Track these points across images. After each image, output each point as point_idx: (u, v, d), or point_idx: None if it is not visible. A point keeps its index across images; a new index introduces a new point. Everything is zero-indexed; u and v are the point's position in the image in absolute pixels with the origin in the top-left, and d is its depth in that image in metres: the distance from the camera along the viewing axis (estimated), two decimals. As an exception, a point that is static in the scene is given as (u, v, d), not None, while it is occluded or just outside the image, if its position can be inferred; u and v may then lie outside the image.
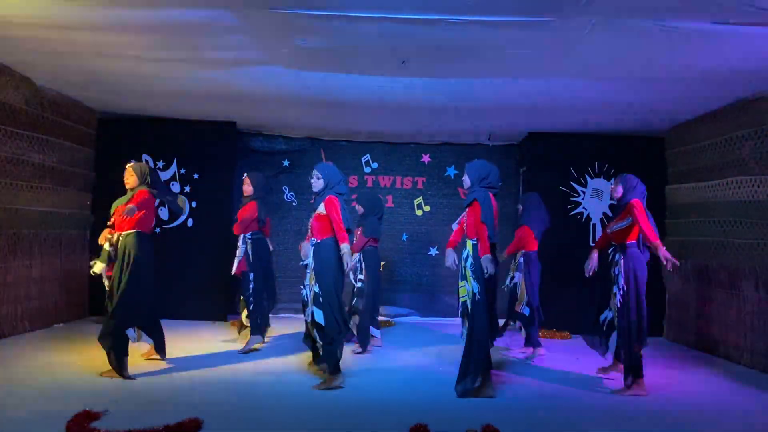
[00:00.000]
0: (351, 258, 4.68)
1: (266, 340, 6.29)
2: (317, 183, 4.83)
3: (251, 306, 5.99)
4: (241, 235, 6.02)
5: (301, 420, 3.96)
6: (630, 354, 4.85)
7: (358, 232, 6.14)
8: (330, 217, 4.69)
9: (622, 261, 4.97)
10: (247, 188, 6.12)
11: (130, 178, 5.06)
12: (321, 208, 4.75)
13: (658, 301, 7.56)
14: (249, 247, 6.01)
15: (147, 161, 7.87)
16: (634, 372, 4.84)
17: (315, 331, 4.76)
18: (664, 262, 4.85)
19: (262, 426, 3.85)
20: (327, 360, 4.77)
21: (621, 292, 4.92)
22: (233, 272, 6.07)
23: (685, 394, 4.97)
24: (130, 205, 4.80)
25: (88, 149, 7.68)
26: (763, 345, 5.72)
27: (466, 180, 4.88)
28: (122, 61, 5.42)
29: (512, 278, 6.32)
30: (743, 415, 4.43)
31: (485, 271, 4.55)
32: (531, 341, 6.27)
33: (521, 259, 6.21)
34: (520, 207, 6.44)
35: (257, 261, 6.04)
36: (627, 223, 4.96)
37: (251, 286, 5.98)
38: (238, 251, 6.04)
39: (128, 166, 5.12)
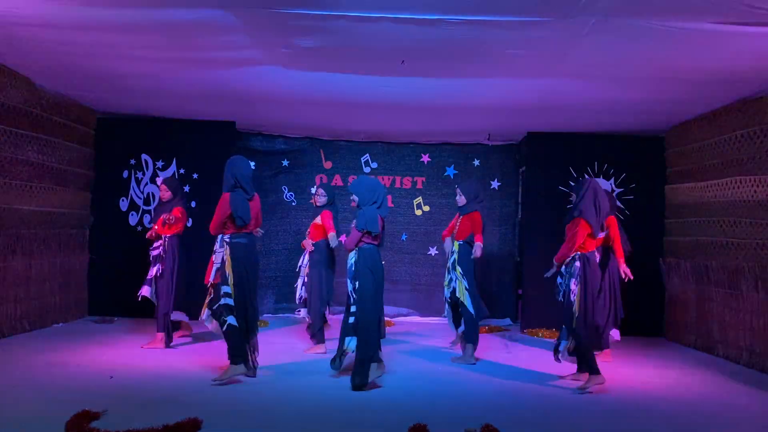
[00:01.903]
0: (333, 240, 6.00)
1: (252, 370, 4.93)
2: (322, 199, 6.10)
3: (224, 328, 4.79)
4: (219, 237, 4.96)
5: (301, 420, 3.96)
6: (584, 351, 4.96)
7: (352, 226, 4.96)
8: (323, 226, 6.01)
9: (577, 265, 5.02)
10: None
11: (165, 193, 6.08)
12: (318, 219, 6.06)
13: (657, 301, 7.57)
14: (227, 253, 4.86)
15: (147, 161, 7.87)
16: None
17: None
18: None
19: (262, 426, 3.85)
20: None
21: (572, 295, 4.96)
22: (208, 280, 4.96)
23: (685, 394, 4.98)
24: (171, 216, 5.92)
25: (88, 149, 7.68)
26: (763, 345, 5.73)
27: (462, 199, 6.00)
28: (122, 61, 5.42)
29: (565, 287, 5.06)
30: (743, 415, 4.44)
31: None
32: (587, 366, 5.00)
33: (577, 263, 4.96)
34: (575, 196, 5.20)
35: (237, 270, 4.83)
36: (604, 233, 5.53)
37: (222, 302, 4.79)
38: (214, 256, 4.96)
39: (162, 184, 6.16)
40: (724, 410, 4.54)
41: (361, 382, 4.68)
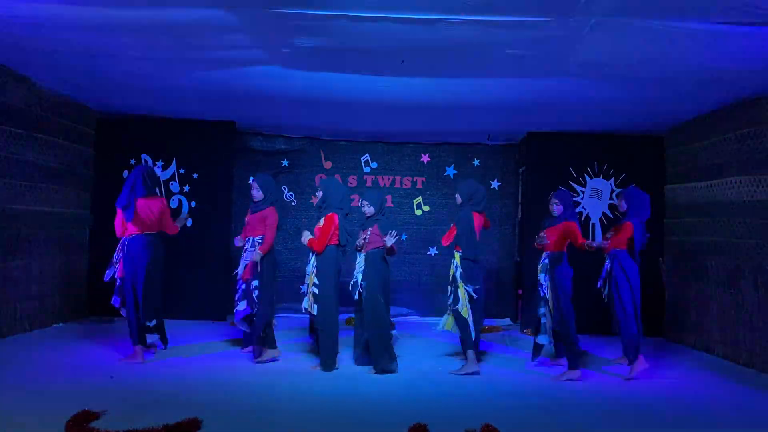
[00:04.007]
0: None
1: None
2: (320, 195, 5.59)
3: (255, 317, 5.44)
4: (249, 239, 5.47)
5: (301, 420, 3.96)
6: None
7: (368, 232, 5.47)
8: (322, 229, 5.36)
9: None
10: None
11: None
12: (321, 222, 5.40)
13: (657, 301, 7.57)
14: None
15: (146, 161, 7.87)
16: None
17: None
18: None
19: (262, 426, 3.85)
20: (321, 347, 5.37)
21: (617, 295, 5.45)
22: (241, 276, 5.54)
23: (685, 394, 4.98)
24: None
25: (88, 149, 7.68)
26: (763, 345, 5.72)
27: (458, 198, 5.65)
28: (122, 61, 5.42)
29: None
30: (742, 415, 4.44)
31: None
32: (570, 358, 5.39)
33: (546, 261, 5.52)
34: (624, 204, 5.61)
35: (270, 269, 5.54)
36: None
37: (254, 294, 5.46)
38: (246, 254, 5.45)
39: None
40: (724, 410, 4.54)
41: (386, 367, 5.28)
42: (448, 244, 5.55)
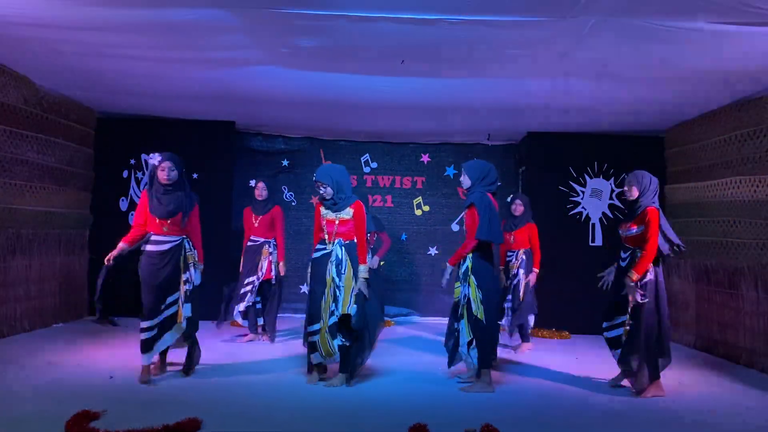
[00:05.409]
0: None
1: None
2: (328, 191, 4.74)
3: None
4: (267, 241, 6.58)
5: (301, 420, 3.96)
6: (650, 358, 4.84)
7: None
8: (355, 224, 4.78)
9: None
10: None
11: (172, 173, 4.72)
12: (347, 213, 4.74)
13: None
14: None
15: (146, 161, 7.87)
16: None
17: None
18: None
19: (262, 426, 3.84)
20: (342, 360, 4.79)
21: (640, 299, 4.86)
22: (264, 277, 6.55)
23: (684, 394, 4.98)
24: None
25: (88, 149, 7.68)
26: (762, 345, 5.73)
27: (466, 180, 4.89)
28: (122, 61, 5.42)
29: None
30: (742, 415, 4.43)
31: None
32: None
33: (524, 257, 6.44)
34: (522, 207, 6.48)
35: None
36: (640, 231, 4.78)
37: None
38: (271, 256, 6.54)
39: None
40: (723, 410, 4.53)
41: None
42: (476, 238, 4.68)
